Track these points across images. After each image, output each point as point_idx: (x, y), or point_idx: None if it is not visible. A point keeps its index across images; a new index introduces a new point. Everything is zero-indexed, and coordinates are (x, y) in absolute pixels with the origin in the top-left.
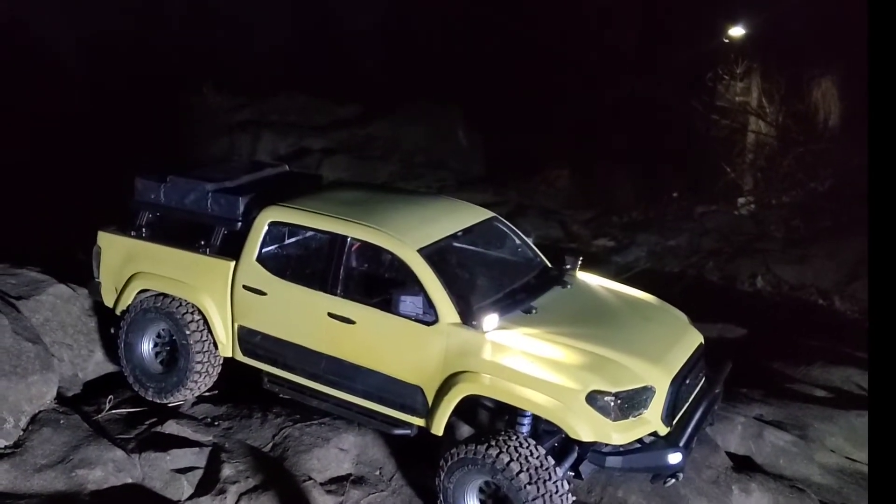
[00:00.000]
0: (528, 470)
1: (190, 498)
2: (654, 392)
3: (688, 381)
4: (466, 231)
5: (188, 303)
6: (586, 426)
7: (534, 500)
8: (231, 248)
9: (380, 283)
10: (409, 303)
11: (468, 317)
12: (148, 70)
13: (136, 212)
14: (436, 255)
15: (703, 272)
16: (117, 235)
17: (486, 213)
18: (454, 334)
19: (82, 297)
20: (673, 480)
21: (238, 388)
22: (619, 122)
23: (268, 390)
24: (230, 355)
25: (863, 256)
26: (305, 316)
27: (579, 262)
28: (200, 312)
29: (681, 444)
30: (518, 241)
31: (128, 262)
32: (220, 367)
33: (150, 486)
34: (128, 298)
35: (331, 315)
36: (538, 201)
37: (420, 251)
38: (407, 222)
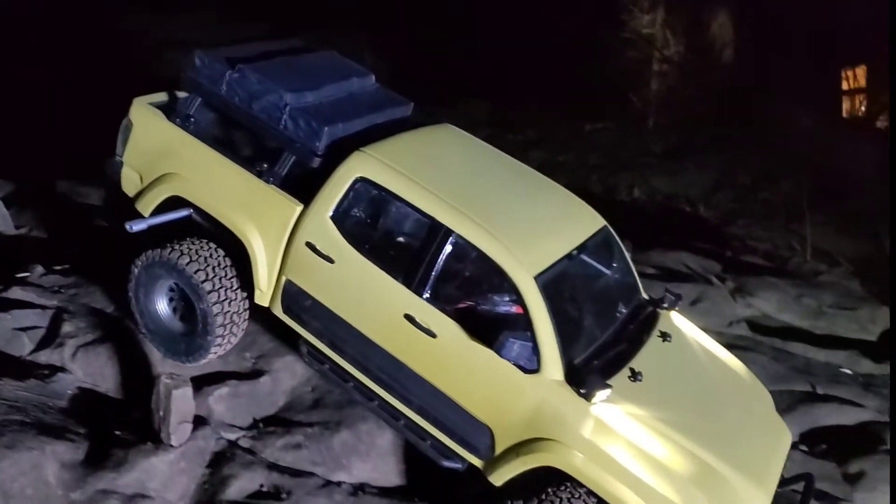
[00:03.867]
0: None
1: (31, 353)
2: None
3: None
4: (580, 248)
5: (199, 248)
6: None
7: None
8: (299, 185)
9: (476, 296)
10: (517, 348)
11: (574, 377)
12: None
13: (188, 94)
14: (551, 284)
15: (588, 185)
16: (158, 116)
17: (599, 221)
18: (554, 394)
19: None
20: None
21: (88, 260)
22: (531, 52)
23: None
24: (266, 305)
25: (727, 169)
26: (376, 306)
27: (678, 303)
28: (219, 253)
29: None
30: (620, 261)
31: (164, 156)
32: (248, 313)
33: None
34: (154, 199)
35: (408, 318)
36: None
37: (538, 278)
38: (525, 229)
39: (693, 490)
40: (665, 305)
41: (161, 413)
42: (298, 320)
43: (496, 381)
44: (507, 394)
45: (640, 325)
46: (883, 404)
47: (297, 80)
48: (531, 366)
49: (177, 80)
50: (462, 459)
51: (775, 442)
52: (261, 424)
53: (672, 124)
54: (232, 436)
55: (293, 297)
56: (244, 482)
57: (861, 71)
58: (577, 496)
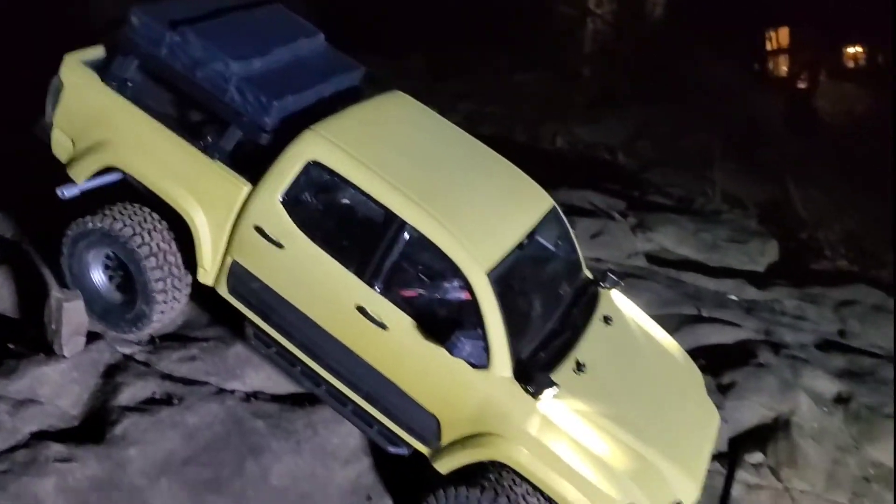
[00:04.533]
0: None
1: None
2: None
3: None
4: (531, 233)
5: (135, 214)
6: None
7: None
8: (246, 161)
9: (428, 289)
10: (468, 347)
11: (522, 373)
12: None
13: (125, 55)
14: (502, 277)
15: (513, 135)
16: (91, 77)
17: (548, 201)
18: (502, 390)
19: None
20: None
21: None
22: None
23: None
24: (210, 284)
25: (647, 120)
26: (327, 294)
27: (621, 286)
28: (157, 220)
29: None
30: (565, 240)
31: (97, 121)
32: (190, 287)
33: None
34: (87, 169)
35: (360, 310)
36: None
37: (490, 274)
38: (478, 218)
39: (630, 485)
40: (606, 285)
41: (53, 326)
42: (245, 302)
43: (445, 375)
44: (456, 387)
45: (582, 310)
46: (761, 326)
47: (244, 44)
48: (480, 362)
49: (117, 24)
50: (408, 446)
51: (707, 427)
52: (157, 340)
53: (597, 76)
54: (127, 350)
55: (240, 278)
56: (137, 390)
57: (784, 32)
58: (517, 484)
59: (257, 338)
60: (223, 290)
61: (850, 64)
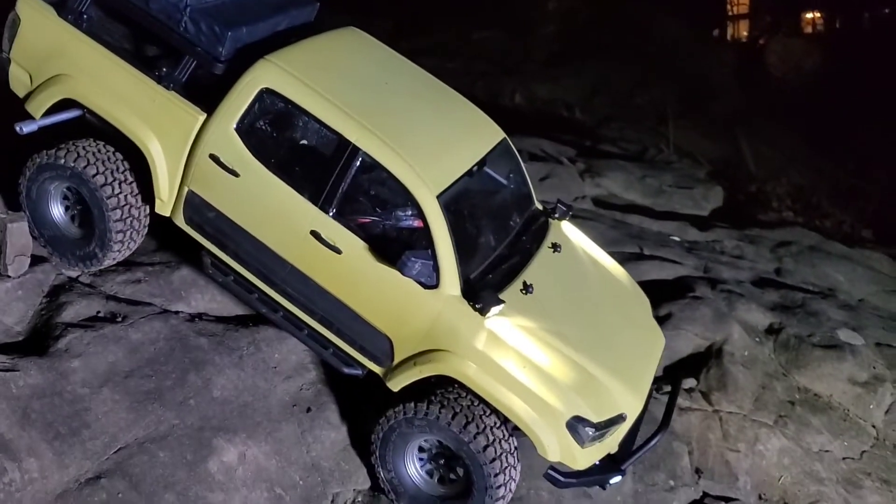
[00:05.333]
0: (484, 432)
1: None
2: (625, 420)
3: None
4: (481, 162)
5: (94, 149)
6: (557, 447)
7: (492, 461)
8: (201, 91)
9: (381, 213)
10: (418, 266)
11: (471, 292)
12: None
13: None
14: (452, 202)
15: (473, 91)
16: (47, 11)
17: (498, 134)
18: (451, 308)
19: None
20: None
21: None
22: None
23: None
24: (167, 215)
25: (604, 76)
26: (282, 221)
27: (569, 213)
28: (115, 155)
29: (624, 467)
30: (516, 172)
31: (55, 55)
32: (148, 219)
33: None
34: (45, 102)
35: (314, 234)
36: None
37: (440, 197)
38: (428, 145)
39: (574, 396)
40: (556, 216)
41: None
42: (201, 231)
43: (397, 295)
44: (407, 307)
45: (532, 237)
46: (700, 263)
47: None
48: (431, 282)
49: None
50: (362, 367)
51: (651, 347)
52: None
53: (555, 34)
54: (73, 273)
55: (196, 208)
56: (81, 308)
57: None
58: (463, 396)
59: (214, 266)
60: (180, 221)
61: (808, 30)
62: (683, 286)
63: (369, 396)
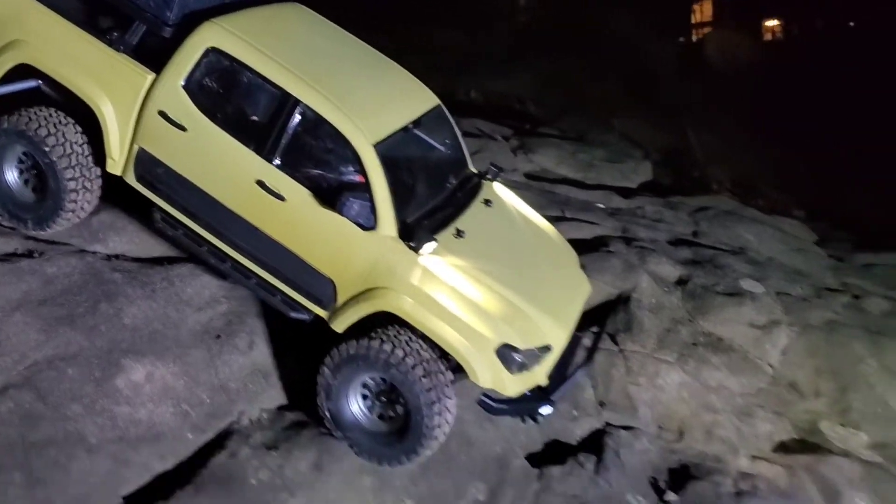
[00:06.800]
0: (422, 363)
1: None
2: (552, 350)
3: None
4: (416, 122)
5: (48, 115)
6: (488, 374)
7: (428, 391)
8: (151, 54)
9: (321, 162)
10: (357, 207)
11: (406, 233)
12: None
13: None
14: (388, 152)
15: (430, 87)
16: None
17: (434, 100)
18: (388, 248)
19: None
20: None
21: None
22: None
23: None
24: (119, 174)
25: (556, 71)
26: (228, 172)
27: (500, 174)
28: (69, 120)
29: (554, 397)
30: (452, 138)
31: (11, 22)
32: (100, 181)
33: None
34: (1, 68)
35: (259, 184)
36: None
37: (376, 146)
38: (365, 101)
39: (502, 326)
40: (489, 177)
41: None
42: (151, 188)
43: (338, 238)
44: (348, 249)
45: (466, 193)
46: (619, 225)
47: None
48: (369, 224)
49: None
50: (308, 311)
51: (576, 291)
52: None
53: (511, 32)
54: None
55: (146, 164)
56: None
57: (708, 5)
58: (401, 333)
59: (164, 221)
60: (130, 179)
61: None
62: (599, 243)
63: (283, 330)
